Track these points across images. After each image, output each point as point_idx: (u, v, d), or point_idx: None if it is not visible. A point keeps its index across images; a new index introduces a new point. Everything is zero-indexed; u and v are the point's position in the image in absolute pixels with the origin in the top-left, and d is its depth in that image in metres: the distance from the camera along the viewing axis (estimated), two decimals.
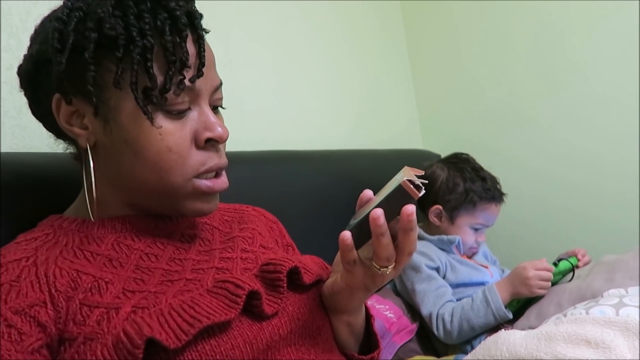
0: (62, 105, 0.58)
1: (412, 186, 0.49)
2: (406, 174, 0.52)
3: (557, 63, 1.65)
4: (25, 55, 0.62)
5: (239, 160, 1.07)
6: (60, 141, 0.64)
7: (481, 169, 1.36)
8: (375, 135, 1.75)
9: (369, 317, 0.70)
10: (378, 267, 0.54)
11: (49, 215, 0.63)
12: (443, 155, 1.52)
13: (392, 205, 0.51)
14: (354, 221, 0.57)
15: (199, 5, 0.64)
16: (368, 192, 0.59)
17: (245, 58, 1.31)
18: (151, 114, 0.54)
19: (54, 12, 0.58)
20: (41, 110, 0.62)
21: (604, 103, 1.57)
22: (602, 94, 1.57)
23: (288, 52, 1.45)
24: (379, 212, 0.51)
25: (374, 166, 1.46)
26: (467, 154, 1.41)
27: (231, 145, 1.06)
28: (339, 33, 1.66)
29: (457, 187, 1.31)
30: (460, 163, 1.36)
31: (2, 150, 0.79)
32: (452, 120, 1.91)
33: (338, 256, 0.64)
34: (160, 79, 0.54)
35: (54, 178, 0.71)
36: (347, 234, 0.54)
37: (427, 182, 0.51)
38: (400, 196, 0.50)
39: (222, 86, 0.63)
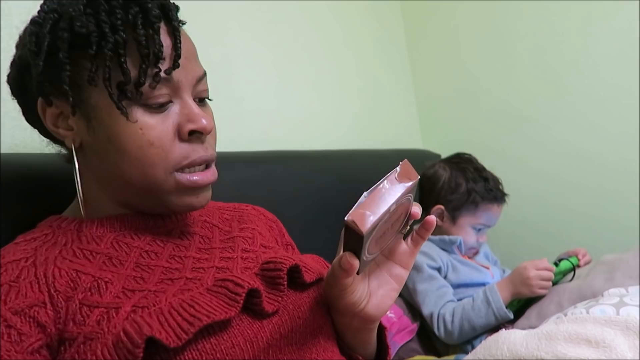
0: (46, 107, 0.58)
1: (356, 224, 0.47)
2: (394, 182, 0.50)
3: (557, 63, 1.65)
4: (11, 63, 0.62)
5: (239, 160, 1.07)
6: (57, 145, 0.65)
7: (483, 169, 1.36)
8: (375, 135, 1.75)
9: (381, 329, 0.69)
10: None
11: (48, 215, 0.63)
12: (443, 155, 1.52)
13: (350, 242, 0.50)
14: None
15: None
16: None
17: (244, 58, 1.31)
18: (126, 109, 0.54)
19: (33, 16, 0.58)
20: (32, 116, 0.62)
21: (604, 103, 1.57)
22: (602, 94, 1.57)
23: (288, 52, 1.45)
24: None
25: (374, 166, 1.46)
26: (469, 154, 1.41)
27: (231, 145, 1.07)
28: (338, 33, 1.66)
29: (460, 187, 1.31)
30: (463, 163, 1.36)
31: (2, 151, 0.79)
32: (452, 120, 1.91)
33: None
34: (134, 72, 0.54)
35: (53, 179, 0.70)
36: (356, 263, 0.51)
37: (364, 228, 0.48)
38: (351, 233, 0.48)
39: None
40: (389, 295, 0.58)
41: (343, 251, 0.52)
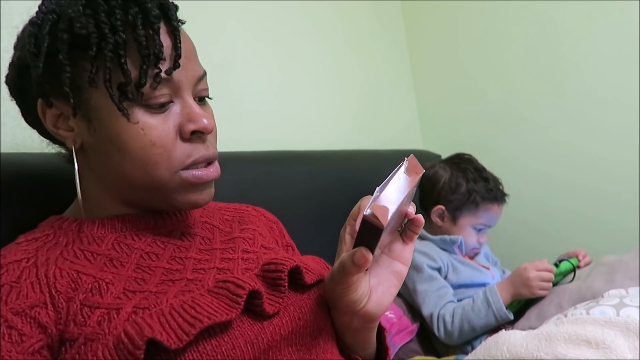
0: (46, 109, 0.58)
1: (377, 218, 0.47)
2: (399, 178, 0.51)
3: (557, 63, 1.65)
4: (9, 64, 0.62)
5: (239, 160, 1.07)
6: (56, 146, 0.65)
7: (484, 169, 1.36)
8: (375, 136, 1.75)
9: (381, 330, 0.69)
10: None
11: (49, 215, 0.63)
12: (443, 155, 1.52)
13: (365, 238, 0.50)
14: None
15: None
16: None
17: (245, 58, 1.31)
18: (126, 110, 0.54)
19: (31, 17, 0.58)
20: (31, 117, 0.62)
21: (603, 103, 1.57)
22: (602, 95, 1.57)
23: (289, 52, 1.45)
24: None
25: (374, 166, 1.46)
26: (469, 155, 1.41)
27: (231, 145, 1.07)
28: (339, 33, 1.66)
29: (460, 187, 1.32)
30: (463, 163, 1.37)
31: (3, 151, 0.79)
32: (452, 121, 1.91)
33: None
34: (134, 73, 0.54)
35: (54, 178, 0.70)
36: (370, 257, 0.51)
37: (387, 211, 0.48)
38: (368, 228, 0.49)
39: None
40: (389, 292, 0.58)
41: (355, 247, 0.51)
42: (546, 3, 1.64)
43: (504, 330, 0.69)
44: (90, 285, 0.52)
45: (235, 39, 1.29)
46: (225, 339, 0.50)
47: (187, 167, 0.59)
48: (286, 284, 0.57)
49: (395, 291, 0.59)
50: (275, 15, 1.41)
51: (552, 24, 1.65)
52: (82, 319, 0.50)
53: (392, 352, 1.13)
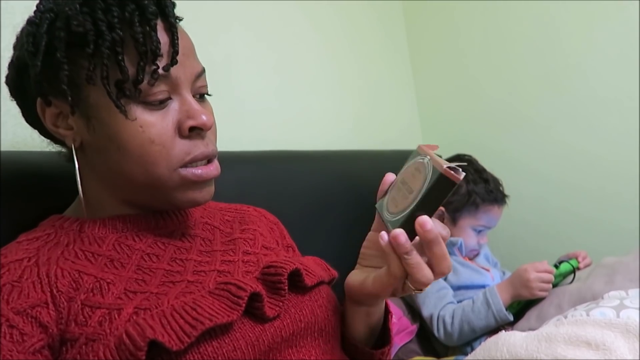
0: (45, 107, 0.58)
1: (452, 172, 0.45)
2: (431, 157, 0.50)
3: (557, 64, 1.65)
4: (8, 64, 0.62)
5: (239, 160, 1.07)
6: (57, 145, 0.65)
7: (484, 170, 1.36)
8: (375, 136, 1.75)
9: (387, 313, 0.69)
10: (413, 288, 0.53)
11: (50, 214, 0.63)
12: (444, 156, 1.52)
13: (432, 199, 0.48)
14: (390, 215, 0.53)
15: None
16: (391, 176, 0.59)
17: (246, 58, 1.31)
18: (124, 107, 0.54)
19: (29, 17, 0.58)
20: (32, 117, 0.62)
21: (604, 104, 1.57)
22: (603, 95, 1.57)
23: (289, 52, 1.45)
24: (398, 232, 0.48)
25: (375, 167, 1.45)
26: (470, 156, 1.41)
27: (231, 145, 1.07)
28: (340, 33, 1.66)
29: (460, 188, 1.31)
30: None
31: (3, 149, 0.79)
32: (452, 121, 1.91)
33: (365, 251, 0.63)
34: (132, 70, 0.54)
35: (55, 177, 0.70)
36: (401, 234, 0.49)
37: (465, 164, 0.47)
38: (441, 187, 0.46)
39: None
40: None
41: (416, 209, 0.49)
42: (547, 3, 1.64)
43: (503, 331, 0.69)
44: (91, 285, 0.53)
45: (236, 38, 1.29)
46: (227, 341, 0.50)
47: (186, 165, 0.59)
48: (286, 288, 0.57)
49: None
50: (276, 16, 1.41)
51: (553, 24, 1.64)
52: (83, 319, 0.50)
53: (392, 353, 1.13)
